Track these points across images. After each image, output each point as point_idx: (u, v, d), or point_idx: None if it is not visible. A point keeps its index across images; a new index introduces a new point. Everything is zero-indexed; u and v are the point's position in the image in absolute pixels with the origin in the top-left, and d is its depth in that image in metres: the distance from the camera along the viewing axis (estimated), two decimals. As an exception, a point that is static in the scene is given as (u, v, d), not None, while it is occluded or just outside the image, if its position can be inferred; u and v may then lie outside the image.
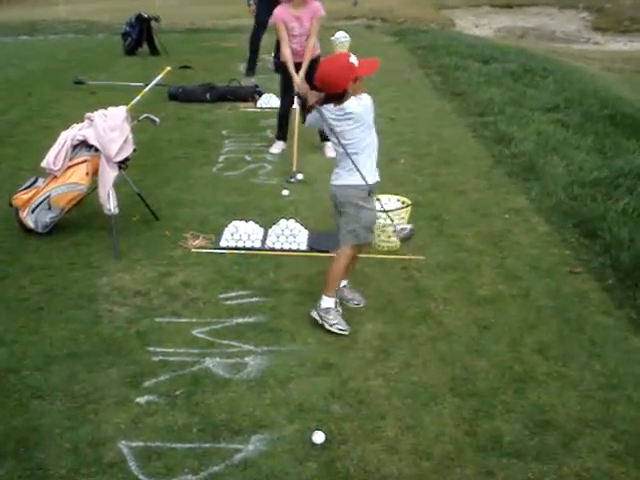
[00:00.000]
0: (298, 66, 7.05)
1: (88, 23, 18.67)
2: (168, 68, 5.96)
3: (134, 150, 5.42)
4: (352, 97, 4.01)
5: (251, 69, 11.78)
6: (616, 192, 6.15)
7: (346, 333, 4.18)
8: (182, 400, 3.63)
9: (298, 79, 6.96)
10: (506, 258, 5.20)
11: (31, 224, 5.38)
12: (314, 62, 7.17)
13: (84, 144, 5.24)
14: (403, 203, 5.32)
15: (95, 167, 5.25)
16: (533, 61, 12.54)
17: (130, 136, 5.33)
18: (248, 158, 7.50)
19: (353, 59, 4.00)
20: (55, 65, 12.88)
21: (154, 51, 13.73)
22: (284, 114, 7.58)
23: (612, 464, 3.21)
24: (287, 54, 7.01)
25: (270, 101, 9.52)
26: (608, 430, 3.41)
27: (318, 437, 3.31)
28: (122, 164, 5.34)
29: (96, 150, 5.22)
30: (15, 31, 17.33)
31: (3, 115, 9.27)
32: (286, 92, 7.35)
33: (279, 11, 6.95)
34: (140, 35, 13.53)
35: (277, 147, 7.71)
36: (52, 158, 5.21)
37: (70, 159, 5.26)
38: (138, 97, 5.62)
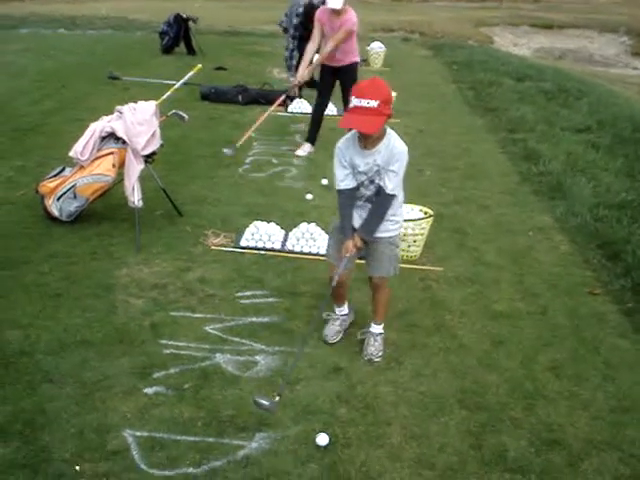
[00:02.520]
0: (326, 67, 7.38)
1: (127, 20, 18.90)
2: (199, 65, 6.00)
3: (161, 145, 5.47)
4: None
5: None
6: (642, 216, 6.08)
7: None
8: (190, 394, 3.65)
9: (301, 71, 7.32)
10: (525, 275, 5.16)
11: (56, 212, 5.44)
12: (351, 68, 7.33)
13: (112, 136, 5.30)
14: (425, 214, 5.30)
15: (122, 159, 5.30)
16: (569, 82, 12.46)
17: (158, 131, 5.38)
18: (275, 161, 7.53)
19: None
20: (91, 60, 13.04)
21: (191, 51, 13.87)
22: (317, 117, 7.69)
23: (618, 487, 3.17)
24: (309, 49, 7.30)
25: (301, 106, 9.55)
26: (616, 453, 3.37)
27: (322, 439, 3.31)
28: (149, 158, 5.40)
29: (124, 143, 5.27)
30: (55, 24, 17.56)
31: (37, 105, 9.40)
32: (322, 96, 7.48)
33: (321, 11, 7.20)
34: (178, 34, 13.66)
35: (304, 150, 7.74)
36: (80, 148, 5.27)
37: (98, 150, 5.32)
38: (168, 92, 5.67)
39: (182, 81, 5.75)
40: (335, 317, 4.27)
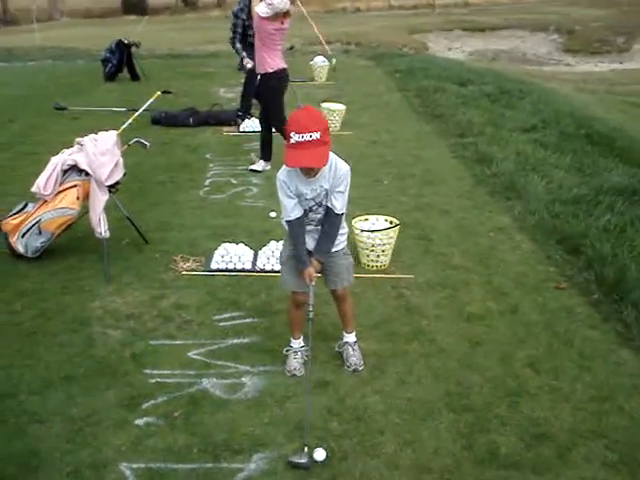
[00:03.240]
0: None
1: (65, 49, 18.70)
2: (158, 92, 6.04)
3: (124, 174, 5.46)
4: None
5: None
6: (596, 209, 6.28)
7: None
8: (181, 421, 3.66)
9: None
10: (493, 275, 5.29)
11: (21, 249, 5.38)
12: (262, 80, 7.44)
13: (75, 168, 5.28)
14: (391, 223, 5.40)
15: (86, 191, 5.28)
16: (509, 83, 12.76)
17: (121, 160, 5.38)
18: (234, 181, 7.57)
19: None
20: (35, 91, 12.89)
21: (134, 76, 13.80)
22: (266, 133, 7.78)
23: (607, 473, 3.28)
24: None
25: (253, 125, 9.60)
26: (602, 440, 3.49)
27: (319, 454, 3.34)
28: (112, 188, 5.39)
29: (87, 174, 5.25)
30: (-8, 58, 17.32)
31: (-16, 142, 9.26)
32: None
33: None
34: (120, 61, 13.59)
35: (259, 165, 7.81)
36: (42, 183, 5.24)
37: (60, 184, 5.29)
38: (129, 121, 5.69)
39: (143, 108, 5.79)
40: (295, 350, 4.17)
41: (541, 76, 17.72)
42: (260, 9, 6.98)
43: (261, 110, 7.87)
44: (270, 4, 6.88)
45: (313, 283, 3.82)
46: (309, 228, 3.87)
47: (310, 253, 3.88)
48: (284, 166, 3.71)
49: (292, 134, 3.48)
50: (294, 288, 4.03)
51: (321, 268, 3.96)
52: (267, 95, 7.50)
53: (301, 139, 3.45)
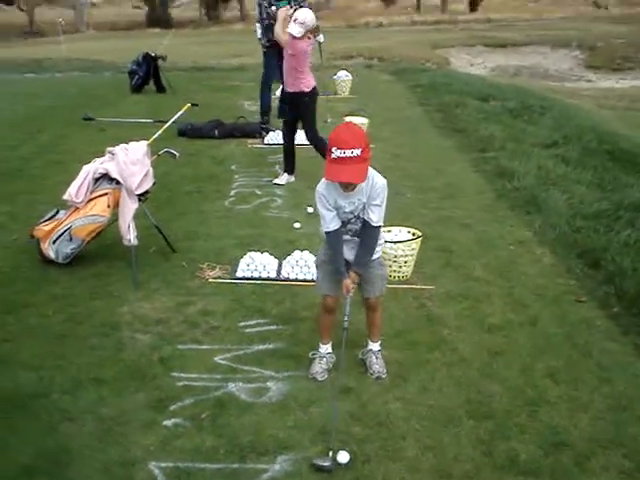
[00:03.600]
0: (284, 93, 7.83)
1: (92, 61, 19.04)
2: (188, 104, 6.19)
3: (154, 183, 5.61)
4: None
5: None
6: (617, 224, 6.34)
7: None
8: (208, 423, 3.76)
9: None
10: (514, 288, 5.36)
11: (52, 255, 5.53)
12: (299, 99, 7.57)
13: (106, 177, 5.43)
14: (414, 235, 5.49)
15: (116, 199, 5.43)
16: (530, 98, 12.82)
17: (151, 170, 5.53)
18: (259, 192, 7.69)
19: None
20: (63, 102, 13.16)
21: (161, 89, 14.04)
22: (288, 147, 7.91)
23: (625, 481, 3.35)
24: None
25: (277, 138, 9.74)
26: (620, 449, 3.55)
27: (343, 457, 3.43)
28: (142, 197, 5.53)
29: (117, 183, 5.40)
30: (21, 69, 17.66)
31: (14, 151, 9.48)
32: (285, 125, 7.88)
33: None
34: (147, 73, 13.85)
35: (282, 179, 7.94)
36: (74, 190, 5.39)
37: (92, 192, 5.44)
38: (159, 132, 5.83)
39: (172, 120, 5.93)
40: (321, 355, 4.27)
41: (563, 92, 17.76)
42: (293, 30, 7.13)
43: (284, 123, 7.99)
44: (302, 23, 7.05)
45: (350, 294, 3.94)
46: (346, 238, 3.98)
47: (348, 264, 3.99)
48: (323, 179, 3.82)
49: (333, 149, 3.58)
50: (325, 291, 4.15)
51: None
52: (302, 111, 7.64)
53: (342, 154, 3.55)
